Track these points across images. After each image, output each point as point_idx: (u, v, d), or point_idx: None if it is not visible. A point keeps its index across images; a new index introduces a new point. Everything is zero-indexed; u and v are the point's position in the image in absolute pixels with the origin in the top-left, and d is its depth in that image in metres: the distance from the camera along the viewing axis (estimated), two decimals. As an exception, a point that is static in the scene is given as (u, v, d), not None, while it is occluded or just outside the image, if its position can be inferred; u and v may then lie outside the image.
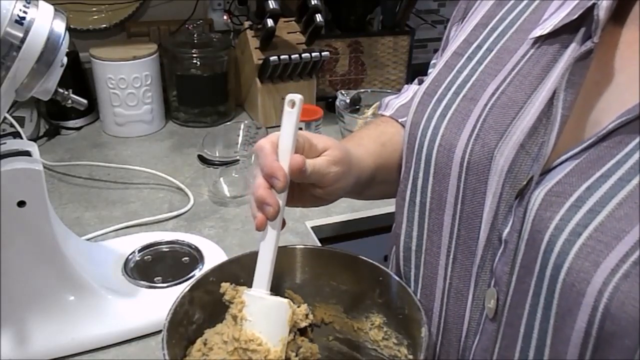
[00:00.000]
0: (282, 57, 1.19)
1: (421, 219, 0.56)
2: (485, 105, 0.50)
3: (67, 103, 0.68)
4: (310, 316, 0.55)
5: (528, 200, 0.44)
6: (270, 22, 1.16)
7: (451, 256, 0.53)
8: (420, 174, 0.55)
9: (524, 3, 0.54)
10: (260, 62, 1.22)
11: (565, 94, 0.45)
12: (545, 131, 0.46)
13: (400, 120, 0.69)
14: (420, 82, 0.76)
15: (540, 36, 0.50)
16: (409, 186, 0.57)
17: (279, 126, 0.52)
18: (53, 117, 1.25)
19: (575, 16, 0.47)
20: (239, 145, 1.08)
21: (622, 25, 0.47)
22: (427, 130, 0.55)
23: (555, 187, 0.43)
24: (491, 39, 0.54)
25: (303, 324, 0.53)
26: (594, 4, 0.45)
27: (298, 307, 0.54)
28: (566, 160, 0.44)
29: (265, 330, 0.52)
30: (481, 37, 0.55)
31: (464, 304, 0.52)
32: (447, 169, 0.52)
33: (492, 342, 0.49)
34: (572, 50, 0.47)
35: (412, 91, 0.72)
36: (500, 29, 0.54)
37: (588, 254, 0.39)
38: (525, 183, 0.45)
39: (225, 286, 0.55)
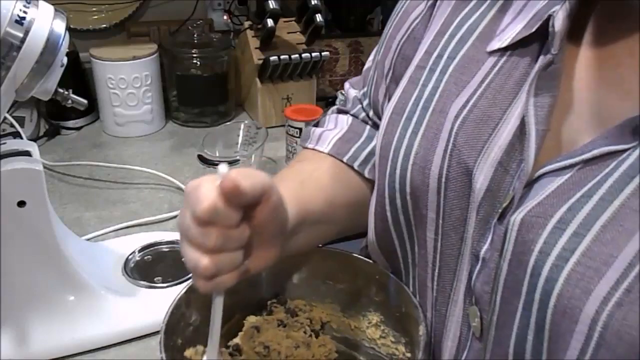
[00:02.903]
0: (282, 57, 1.19)
1: (410, 234, 0.55)
2: (456, 117, 0.49)
3: (67, 103, 0.68)
4: None
5: (508, 219, 0.43)
6: (270, 22, 1.16)
7: (436, 271, 0.52)
8: (397, 194, 0.53)
9: (481, 8, 0.52)
10: (260, 62, 1.22)
11: (535, 109, 0.44)
12: (522, 147, 0.45)
13: (344, 159, 0.63)
14: (340, 112, 0.72)
15: (507, 47, 0.48)
16: (388, 207, 0.55)
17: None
18: (53, 117, 1.25)
19: (534, 29, 0.46)
20: (239, 145, 1.08)
21: (582, 42, 0.46)
22: (399, 151, 0.52)
23: (536, 208, 0.42)
24: (451, 47, 0.52)
25: None
26: (549, 17, 0.44)
27: None
28: (545, 176, 0.43)
29: None
30: (440, 46, 0.54)
31: (445, 318, 0.52)
32: (423, 186, 0.50)
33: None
34: (540, 63, 0.45)
35: (345, 123, 0.68)
36: (459, 35, 0.52)
37: (578, 280, 0.38)
38: (508, 202, 0.44)
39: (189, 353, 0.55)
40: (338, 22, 1.42)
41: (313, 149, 0.66)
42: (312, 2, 1.18)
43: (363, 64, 1.40)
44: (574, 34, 0.46)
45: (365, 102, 0.69)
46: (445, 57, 0.53)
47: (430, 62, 0.54)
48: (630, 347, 0.36)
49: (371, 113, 0.68)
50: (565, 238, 0.39)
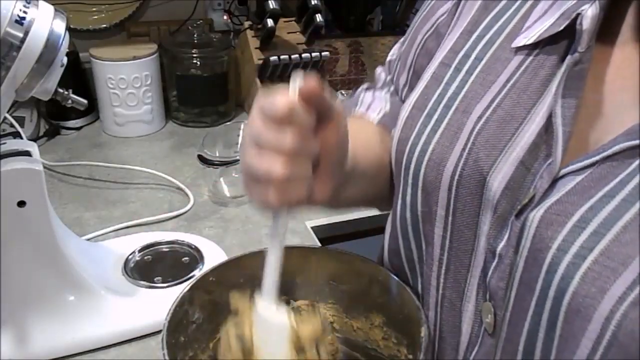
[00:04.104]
0: (282, 57, 1.19)
1: (415, 232, 0.55)
2: (479, 118, 0.49)
3: (67, 103, 0.68)
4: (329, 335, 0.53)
5: (527, 216, 0.44)
6: (270, 22, 1.16)
7: (443, 267, 0.52)
8: (409, 190, 0.53)
9: (511, 9, 0.52)
10: (260, 62, 1.22)
11: (562, 110, 0.44)
12: (546, 147, 0.45)
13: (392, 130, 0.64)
14: (369, 88, 0.72)
15: (534, 45, 0.48)
16: (399, 202, 0.56)
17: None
18: (53, 117, 1.25)
19: (561, 27, 0.45)
20: (239, 145, 1.08)
21: (614, 43, 0.46)
22: (416, 147, 0.52)
23: (556, 205, 0.42)
24: (479, 48, 0.52)
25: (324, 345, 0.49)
26: (578, 14, 0.44)
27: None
28: (566, 175, 0.43)
29: (271, 353, 0.48)
30: (468, 46, 0.53)
31: (458, 315, 0.52)
32: (436, 182, 0.50)
33: (490, 357, 0.48)
34: (567, 62, 0.45)
35: (384, 99, 0.68)
36: (487, 37, 0.52)
37: (594, 279, 0.38)
38: (528, 200, 0.44)
39: (234, 296, 0.53)
40: (338, 22, 1.42)
41: (362, 115, 0.67)
42: (312, 2, 1.18)
43: (363, 64, 1.42)
44: (606, 33, 0.46)
45: (392, 87, 0.70)
46: (472, 57, 0.52)
47: (456, 61, 0.53)
48: None
49: (397, 98, 0.69)
50: (585, 236, 0.39)
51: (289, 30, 1.28)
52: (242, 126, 1.10)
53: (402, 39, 0.69)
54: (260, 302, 0.48)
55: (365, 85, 0.74)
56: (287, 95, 0.42)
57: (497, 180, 0.46)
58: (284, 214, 0.47)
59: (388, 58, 0.72)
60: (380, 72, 0.74)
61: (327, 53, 1.24)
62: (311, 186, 0.46)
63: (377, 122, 0.66)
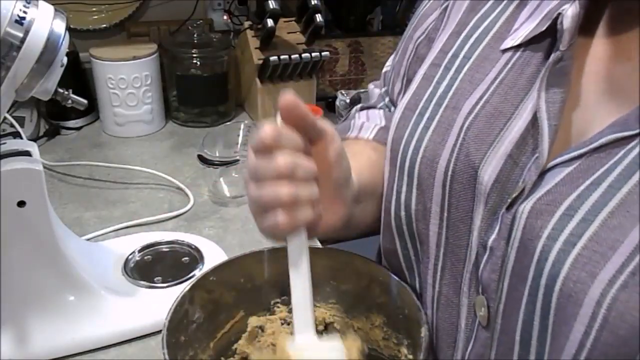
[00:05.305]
0: (282, 57, 1.19)
1: (410, 230, 0.56)
2: (469, 113, 0.50)
3: (67, 103, 0.68)
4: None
5: (517, 209, 0.44)
6: (270, 22, 1.16)
7: (439, 264, 0.53)
8: (404, 188, 0.55)
9: (498, 9, 0.54)
10: (260, 62, 1.22)
11: (547, 105, 0.45)
12: (533, 141, 0.46)
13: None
14: (364, 109, 0.73)
15: (520, 45, 0.49)
16: (393, 201, 0.57)
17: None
18: (53, 117, 1.25)
19: (544, 27, 0.47)
20: (239, 145, 1.08)
21: (594, 36, 0.48)
22: (409, 145, 0.54)
23: (546, 196, 0.43)
24: (467, 47, 0.54)
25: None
26: (559, 15, 0.46)
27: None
28: (554, 167, 0.44)
29: None
30: (456, 46, 0.55)
31: (455, 311, 0.52)
32: (430, 179, 0.52)
33: (487, 350, 0.49)
34: (550, 60, 0.47)
35: (378, 117, 0.70)
36: (475, 36, 0.54)
37: (584, 264, 0.39)
38: (518, 193, 0.45)
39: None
40: (338, 22, 1.42)
41: (355, 137, 0.68)
42: (312, 2, 1.18)
43: (363, 64, 1.41)
44: (588, 27, 0.47)
45: (386, 99, 0.72)
46: (460, 56, 0.54)
47: (446, 61, 0.55)
48: (632, 328, 0.37)
49: (392, 109, 0.70)
50: (574, 224, 0.40)
51: (289, 30, 1.28)
52: (242, 126, 1.10)
53: (395, 51, 0.71)
54: (300, 338, 0.48)
55: (358, 106, 0.75)
56: (272, 124, 0.44)
57: (487, 174, 0.47)
58: (300, 239, 0.46)
59: (383, 70, 0.74)
60: (373, 88, 0.76)
61: (327, 53, 1.24)
62: (321, 209, 0.47)
63: (372, 138, 0.67)
